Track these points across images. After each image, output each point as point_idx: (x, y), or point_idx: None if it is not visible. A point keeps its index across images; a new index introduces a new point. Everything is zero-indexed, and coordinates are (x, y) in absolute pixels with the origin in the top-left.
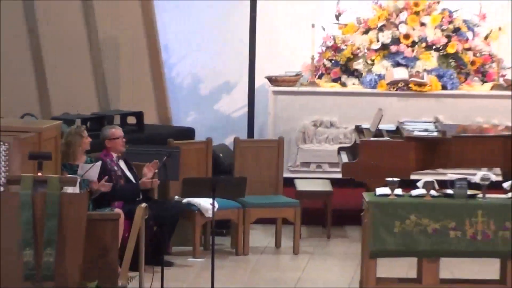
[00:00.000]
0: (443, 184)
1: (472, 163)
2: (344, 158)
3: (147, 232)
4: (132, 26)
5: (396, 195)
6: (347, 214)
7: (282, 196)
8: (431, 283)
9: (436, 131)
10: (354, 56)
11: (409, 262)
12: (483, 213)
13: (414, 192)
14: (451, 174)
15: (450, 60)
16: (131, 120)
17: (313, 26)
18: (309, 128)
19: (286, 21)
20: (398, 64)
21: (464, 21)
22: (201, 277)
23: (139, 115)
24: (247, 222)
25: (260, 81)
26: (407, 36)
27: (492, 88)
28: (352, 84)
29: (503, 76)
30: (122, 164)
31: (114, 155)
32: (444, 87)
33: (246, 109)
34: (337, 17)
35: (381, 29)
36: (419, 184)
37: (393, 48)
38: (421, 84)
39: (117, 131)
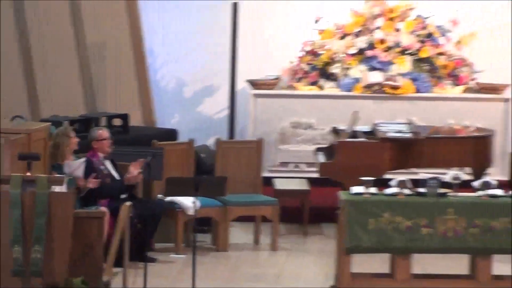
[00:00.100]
0: (415, 183)
1: (444, 163)
2: (321, 158)
3: (131, 230)
4: (119, 31)
5: (371, 193)
6: (324, 212)
7: (261, 195)
8: (404, 278)
9: (410, 132)
10: (332, 61)
11: (383, 258)
12: (454, 211)
13: (388, 191)
14: (423, 174)
15: (423, 64)
16: (117, 122)
17: (292, 31)
18: (288, 130)
19: (266, 27)
20: (373, 68)
21: (437, 27)
22: (183, 273)
23: (124, 117)
24: (228, 220)
25: (241, 84)
26: (382, 41)
27: (463, 91)
28: (329, 88)
29: (474, 79)
30: (108, 164)
31: (101, 155)
32: (417, 90)
33: (227, 111)
34: (315, 23)
35: (357, 34)
36: (392, 183)
37: (369, 53)
38: (395, 87)
39: (104, 132)
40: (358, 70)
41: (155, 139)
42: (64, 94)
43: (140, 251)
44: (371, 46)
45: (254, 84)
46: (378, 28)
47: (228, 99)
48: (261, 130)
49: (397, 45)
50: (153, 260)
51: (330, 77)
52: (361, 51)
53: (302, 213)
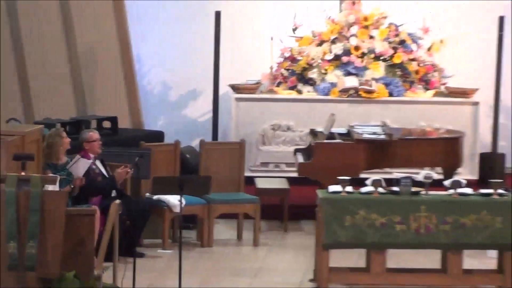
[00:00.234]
0: (389, 182)
1: (416, 163)
2: (300, 158)
3: (120, 226)
4: (107, 39)
5: (347, 192)
6: (303, 209)
7: (243, 193)
8: (378, 272)
9: (384, 134)
10: (309, 66)
11: (359, 253)
12: (426, 209)
13: (363, 190)
14: (396, 173)
15: (396, 70)
16: (107, 124)
17: (271, 39)
18: (268, 132)
19: (247, 34)
20: (349, 73)
21: (409, 34)
22: (170, 267)
23: (113, 120)
24: (212, 217)
25: (224, 88)
26: (357, 48)
27: (434, 95)
28: (307, 92)
29: (444, 84)
30: (98, 164)
31: (92, 156)
32: (390, 94)
33: (211, 114)
34: (293, 30)
35: (333, 41)
36: (368, 182)
37: (345, 59)
38: (369, 92)
39: (94, 134)
40: (334, 75)
41: (143, 140)
42: (56, 98)
43: (129, 246)
44: (346, 53)
45: (236, 88)
46: (353, 35)
47: (211, 103)
48: (243, 132)
49: (371, 51)
50: (141, 255)
51: (308, 82)
52: (337, 57)
53: (282, 211)
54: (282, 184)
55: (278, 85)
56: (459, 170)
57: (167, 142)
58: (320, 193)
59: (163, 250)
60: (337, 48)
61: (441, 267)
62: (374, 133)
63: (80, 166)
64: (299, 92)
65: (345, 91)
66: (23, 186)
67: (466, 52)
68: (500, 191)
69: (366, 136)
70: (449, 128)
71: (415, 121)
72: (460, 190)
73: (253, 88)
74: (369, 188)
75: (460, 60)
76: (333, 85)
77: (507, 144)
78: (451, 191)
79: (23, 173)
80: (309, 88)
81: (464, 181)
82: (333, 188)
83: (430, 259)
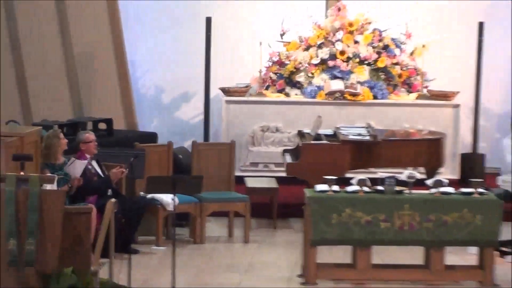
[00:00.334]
0: (374, 181)
1: (400, 163)
2: (288, 159)
3: (116, 224)
4: (103, 45)
5: (334, 191)
6: (291, 208)
7: (234, 192)
8: (364, 268)
9: (368, 135)
10: (297, 70)
11: (345, 249)
12: (409, 207)
13: (349, 189)
14: (381, 173)
15: (380, 73)
16: (102, 126)
17: (260, 44)
18: (258, 133)
19: (237, 39)
20: (335, 77)
21: (392, 39)
22: (164, 263)
23: (109, 122)
24: (204, 215)
25: (215, 92)
26: (342, 53)
27: (416, 98)
28: (295, 95)
29: (426, 87)
30: (94, 164)
31: (88, 156)
32: (375, 97)
33: (202, 116)
34: (281, 36)
35: (320, 46)
36: (353, 181)
37: (331, 63)
38: (355, 94)
39: (90, 135)
40: (320, 79)
41: (137, 141)
42: (53, 100)
43: (124, 243)
44: (332, 57)
45: (227, 91)
46: (338, 40)
47: (203, 105)
48: (233, 133)
49: (356, 56)
50: (136, 252)
51: (296, 85)
52: (323, 61)
53: (271, 209)
54: (271, 184)
55: (267, 88)
56: (441, 170)
57: (161, 143)
58: (307, 192)
59: (157, 247)
60: (323, 53)
61: (424, 263)
62: (359, 134)
63: (77, 167)
64: (287, 95)
65: (331, 94)
66: (22, 185)
67: (447, 57)
68: (480, 190)
69: (351, 137)
70: (431, 129)
71: (398, 122)
72: (442, 189)
73: (243, 91)
74: (355, 187)
75: (441, 64)
76: (320, 88)
77: (486, 145)
78: (434, 190)
79: (22, 173)
80: (297, 91)
81: (446, 181)
82: (320, 187)
83: (414, 255)
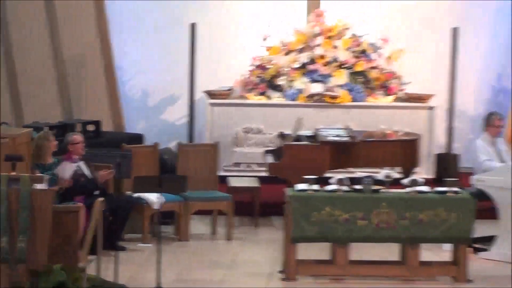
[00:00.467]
0: (352, 180)
1: (377, 163)
2: (270, 159)
3: (103, 222)
4: (92, 49)
5: (313, 190)
6: (272, 206)
7: (217, 191)
8: (342, 264)
9: (347, 136)
10: (278, 74)
11: (324, 246)
12: (386, 205)
13: (329, 188)
14: (359, 172)
15: (358, 77)
16: (91, 127)
17: (243, 48)
18: (240, 134)
19: (220, 44)
20: (314, 80)
21: (370, 44)
22: (150, 260)
23: (97, 123)
24: (188, 213)
25: (199, 94)
26: (322, 57)
27: (393, 100)
28: (276, 97)
29: (403, 90)
30: (82, 165)
31: (76, 157)
32: (353, 99)
33: (187, 118)
34: (264, 41)
35: (300, 51)
36: (332, 181)
37: (311, 67)
38: (334, 97)
39: (78, 137)
40: (301, 82)
41: (124, 142)
42: (44, 103)
43: (111, 241)
44: (312, 61)
45: (210, 94)
46: (318, 45)
47: (187, 108)
48: (217, 135)
49: (335, 60)
50: (123, 249)
51: (277, 88)
52: (303, 66)
53: (253, 207)
54: (253, 183)
55: (249, 91)
56: (417, 169)
57: (147, 144)
58: (288, 191)
59: (143, 244)
60: (304, 57)
61: (400, 259)
62: (338, 136)
63: (67, 169)
64: (269, 97)
65: (311, 96)
66: (14, 185)
67: (423, 61)
68: (454, 189)
69: (330, 138)
70: (407, 131)
71: (376, 124)
72: (417, 188)
73: (226, 94)
74: (334, 186)
75: (417, 68)
76: (300, 91)
77: (460, 145)
78: (410, 189)
79: (13, 173)
80: (278, 94)
81: (422, 180)
82: (300, 186)
83: (390, 252)
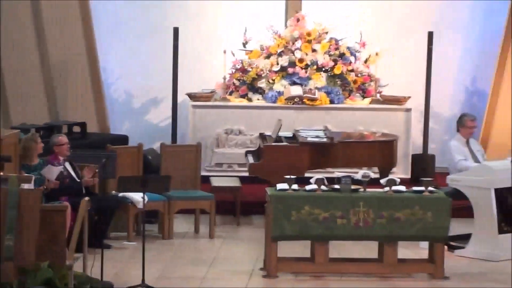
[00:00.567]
0: (331, 180)
1: (355, 163)
2: (251, 159)
3: (89, 221)
4: (77, 52)
5: (293, 189)
6: (253, 205)
7: (200, 191)
8: (322, 262)
9: (325, 137)
10: (258, 77)
11: (304, 244)
12: (364, 204)
13: (308, 187)
14: (337, 172)
15: (337, 80)
16: (77, 129)
17: (224, 52)
18: (222, 135)
19: (202, 48)
20: (294, 83)
21: (348, 48)
22: (134, 257)
23: (83, 125)
24: (172, 212)
25: (182, 97)
26: (301, 60)
27: (370, 102)
28: (257, 99)
29: (380, 92)
30: (67, 165)
31: (61, 158)
32: (331, 102)
33: (170, 120)
34: (244, 44)
35: (280, 54)
36: (311, 180)
37: (290, 70)
38: (313, 99)
39: (63, 138)
40: (281, 85)
41: (109, 143)
42: (31, 105)
43: (97, 239)
44: (292, 64)
45: (193, 97)
46: (297, 49)
47: (170, 110)
48: (199, 136)
49: (314, 63)
50: (108, 247)
51: (257, 90)
52: (283, 69)
53: (235, 206)
54: (235, 183)
55: (230, 94)
56: (394, 169)
57: (131, 145)
58: (269, 190)
59: (128, 242)
60: (283, 61)
61: (378, 257)
62: (317, 137)
63: (53, 171)
64: (250, 100)
65: (290, 99)
66: (2, 185)
67: (399, 64)
68: (430, 188)
69: (310, 139)
70: (385, 132)
71: (353, 125)
72: (394, 188)
73: (208, 96)
74: (313, 186)
75: (393, 71)
76: (280, 93)
77: (436, 146)
78: (387, 188)
79: (1, 173)
80: (258, 96)
81: (398, 180)
82: (280, 186)
83: (368, 249)
